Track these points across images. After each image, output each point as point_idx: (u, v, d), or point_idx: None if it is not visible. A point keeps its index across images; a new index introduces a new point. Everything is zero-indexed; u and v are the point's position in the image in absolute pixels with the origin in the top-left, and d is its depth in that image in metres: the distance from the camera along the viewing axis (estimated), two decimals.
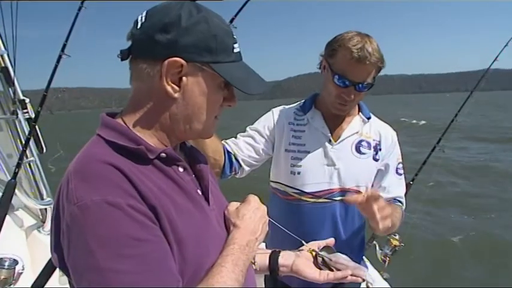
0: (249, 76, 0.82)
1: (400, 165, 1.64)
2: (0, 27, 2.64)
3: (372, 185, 1.59)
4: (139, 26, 0.75)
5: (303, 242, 1.14)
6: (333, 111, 1.53)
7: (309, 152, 1.53)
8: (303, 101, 1.66)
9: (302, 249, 1.13)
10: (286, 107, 1.68)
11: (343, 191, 1.52)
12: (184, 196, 0.77)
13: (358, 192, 1.53)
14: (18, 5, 2.58)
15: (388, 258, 1.97)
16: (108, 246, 0.63)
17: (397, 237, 1.98)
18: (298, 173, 1.52)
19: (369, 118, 1.60)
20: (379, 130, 1.61)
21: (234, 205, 0.92)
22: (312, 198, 1.52)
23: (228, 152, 1.52)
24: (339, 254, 1.11)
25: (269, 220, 0.96)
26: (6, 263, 1.67)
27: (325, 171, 1.52)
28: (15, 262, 1.69)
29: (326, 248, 1.13)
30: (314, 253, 1.11)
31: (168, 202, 0.72)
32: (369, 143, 1.56)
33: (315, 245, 1.13)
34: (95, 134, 0.77)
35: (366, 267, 1.74)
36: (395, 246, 1.97)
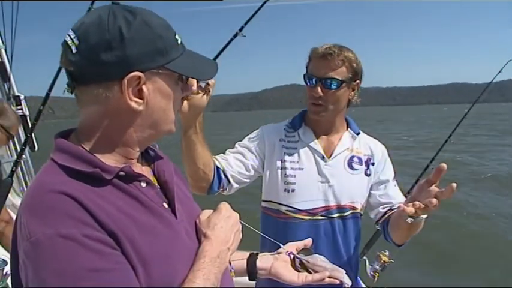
0: (199, 63, 0.82)
1: (394, 177, 1.64)
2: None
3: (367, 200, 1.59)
4: (74, 50, 0.68)
5: (281, 244, 1.13)
6: (311, 117, 1.54)
7: (302, 169, 1.52)
8: (291, 118, 1.64)
9: (280, 252, 1.12)
10: (275, 124, 1.67)
11: (339, 208, 1.52)
12: (148, 213, 0.75)
13: (353, 208, 1.55)
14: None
15: (377, 274, 2.00)
16: (65, 281, 0.60)
17: (386, 253, 2.01)
18: (293, 190, 1.51)
19: (358, 134, 1.61)
20: (369, 145, 1.62)
21: (205, 214, 0.89)
22: (307, 215, 1.51)
23: (217, 167, 1.48)
24: (316, 255, 1.11)
25: (250, 227, 0.94)
26: None
27: (319, 188, 1.51)
28: (5, 263, 1.65)
29: (304, 250, 1.12)
30: (292, 255, 1.10)
31: (130, 223, 0.69)
32: (360, 159, 1.57)
33: (293, 246, 1.13)
34: (49, 158, 0.74)
35: (361, 286, 1.75)
36: (384, 262, 1.99)
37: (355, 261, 1.65)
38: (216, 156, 1.53)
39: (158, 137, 0.81)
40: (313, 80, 1.45)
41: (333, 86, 1.44)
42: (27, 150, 2.69)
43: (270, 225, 1.57)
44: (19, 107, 2.67)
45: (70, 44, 0.69)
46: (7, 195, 2.01)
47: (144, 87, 0.71)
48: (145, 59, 0.70)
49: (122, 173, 0.73)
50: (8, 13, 2.56)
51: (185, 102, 1.18)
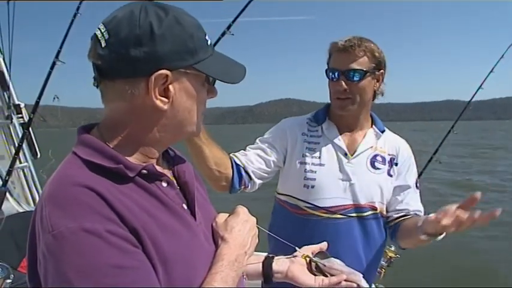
0: (228, 65, 0.80)
1: (417, 179, 1.60)
2: None
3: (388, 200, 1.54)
4: (103, 44, 0.67)
5: (296, 248, 1.11)
6: (336, 112, 1.49)
7: (324, 166, 1.47)
8: (315, 111, 1.60)
9: (296, 255, 1.10)
10: (296, 117, 1.63)
11: (358, 207, 1.46)
12: (168, 213, 0.73)
13: (374, 208, 1.49)
14: (15, 9, 2.58)
15: (383, 270, 1.96)
16: (88, 276, 0.58)
17: (392, 248, 1.97)
18: (312, 187, 1.46)
19: (382, 131, 1.55)
20: (394, 144, 1.56)
21: (222, 217, 0.88)
22: (325, 213, 1.45)
23: (237, 164, 1.45)
24: (333, 259, 1.09)
25: (266, 232, 0.94)
26: None
27: (339, 186, 1.46)
28: (4, 271, 1.66)
29: (320, 253, 1.11)
30: (308, 259, 1.09)
31: (151, 222, 0.68)
32: (383, 158, 1.51)
33: (309, 250, 1.11)
34: (71, 152, 0.72)
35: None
36: (391, 257, 1.96)
37: (374, 264, 1.58)
38: (236, 153, 1.51)
39: (181, 138, 0.81)
40: (336, 73, 1.42)
41: (356, 78, 1.40)
42: (29, 157, 2.72)
43: (286, 218, 1.53)
44: (20, 115, 2.69)
45: (100, 38, 0.68)
46: (1, 204, 2.02)
47: (170, 87, 0.70)
48: (174, 57, 0.69)
49: (144, 171, 0.72)
50: (4, 18, 2.55)
51: None
